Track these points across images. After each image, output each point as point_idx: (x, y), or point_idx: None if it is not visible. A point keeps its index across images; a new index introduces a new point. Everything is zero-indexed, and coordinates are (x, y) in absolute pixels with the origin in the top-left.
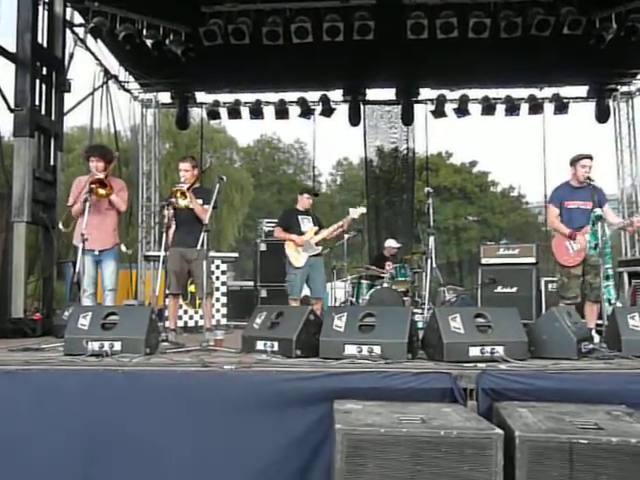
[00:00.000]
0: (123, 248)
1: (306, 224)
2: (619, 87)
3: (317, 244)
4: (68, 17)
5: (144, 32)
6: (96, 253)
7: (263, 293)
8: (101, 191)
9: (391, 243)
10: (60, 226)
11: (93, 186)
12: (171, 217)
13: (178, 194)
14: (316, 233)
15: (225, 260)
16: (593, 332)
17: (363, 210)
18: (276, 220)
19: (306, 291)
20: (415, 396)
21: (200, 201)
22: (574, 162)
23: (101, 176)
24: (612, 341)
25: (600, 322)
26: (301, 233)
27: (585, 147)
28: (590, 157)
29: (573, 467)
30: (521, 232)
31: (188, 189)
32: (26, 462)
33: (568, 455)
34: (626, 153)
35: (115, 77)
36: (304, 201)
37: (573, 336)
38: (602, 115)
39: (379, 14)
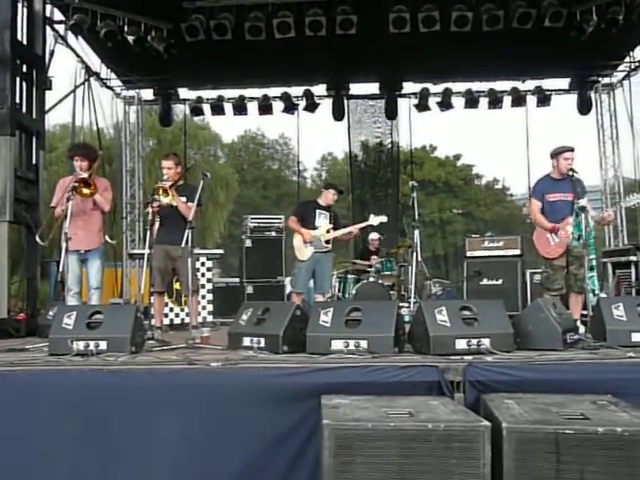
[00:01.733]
0: (107, 239)
1: (322, 219)
2: (601, 79)
3: (327, 242)
4: (48, 14)
5: (125, 29)
6: (82, 252)
7: (249, 289)
8: (85, 190)
9: (373, 236)
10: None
11: (76, 184)
12: (155, 214)
13: (160, 191)
14: (328, 231)
15: (210, 257)
16: (578, 323)
17: (384, 219)
18: (261, 217)
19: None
20: (402, 390)
21: (184, 198)
22: (556, 154)
23: (85, 175)
24: (597, 331)
25: (585, 312)
26: (314, 227)
27: (568, 139)
28: (572, 149)
29: (560, 457)
30: (505, 224)
31: (171, 186)
32: (11, 463)
33: (555, 446)
34: (608, 144)
35: (97, 74)
36: (328, 196)
37: (558, 327)
38: (584, 107)
39: (361, 8)
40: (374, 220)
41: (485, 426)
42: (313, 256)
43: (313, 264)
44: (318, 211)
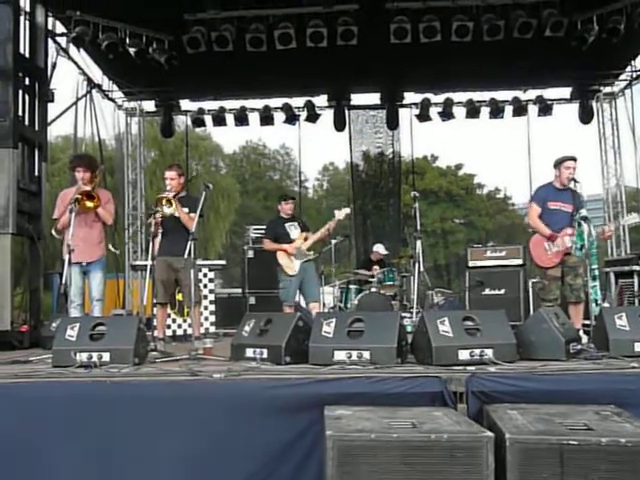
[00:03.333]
0: (111, 248)
1: (294, 231)
2: (602, 88)
3: (308, 249)
4: (50, 27)
5: (127, 41)
6: (83, 264)
7: (252, 300)
8: (89, 204)
9: (379, 249)
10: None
11: (79, 196)
12: (158, 225)
13: (164, 202)
14: (305, 239)
15: (213, 268)
16: (581, 332)
17: (347, 211)
18: (263, 227)
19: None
20: (405, 400)
21: (186, 209)
22: (558, 164)
23: (88, 188)
24: (600, 341)
25: (587, 322)
26: (291, 241)
27: (569, 148)
28: (574, 159)
29: (564, 468)
30: (507, 234)
31: (174, 197)
32: (14, 475)
33: (559, 456)
34: (610, 153)
35: (99, 86)
36: (285, 208)
37: (561, 337)
38: (586, 116)
39: (362, 19)
40: (339, 214)
41: (488, 437)
42: (301, 267)
43: (302, 275)
44: (287, 225)
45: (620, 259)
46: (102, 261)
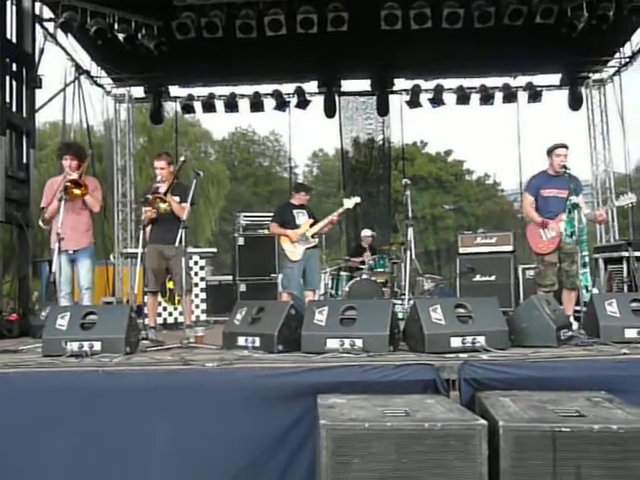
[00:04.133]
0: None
1: (301, 217)
2: (591, 75)
3: (313, 236)
4: (37, 12)
5: (115, 26)
6: (71, 252)
7: (242, 287)
8: (76, 191)
9: (366, 232)
10: (40, 223)
11: (68, 185)
12: (150, 216)
13: (157, 201)
14: (311, 226)
15: (203, 255)
16: (571, 319)
17: (357, 200)
18: (254, 214)
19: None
20: (398, 388)
21: (177, 198)
22: (550, 152)
23: (75, 176)
24: (590, 328)
25: (578, 309)
26: (296, 226)
27: (559, 134)
28: (565, 146)
29: (556, 455)
30: (497, 220)
31: (165, 193)
32: (5, 464)
33: (551, 443)
34: (599, 140)
35: (87, 72)
36: (301, 198)
37: (552, 324)
38: (575, 103)
39: (352, 5)
40: (348, 203)
41: (482, 425)
42: (305, 254)
43: (304, 262)
44: (295, 211)
45: (609, 245)
46: (90, 249)
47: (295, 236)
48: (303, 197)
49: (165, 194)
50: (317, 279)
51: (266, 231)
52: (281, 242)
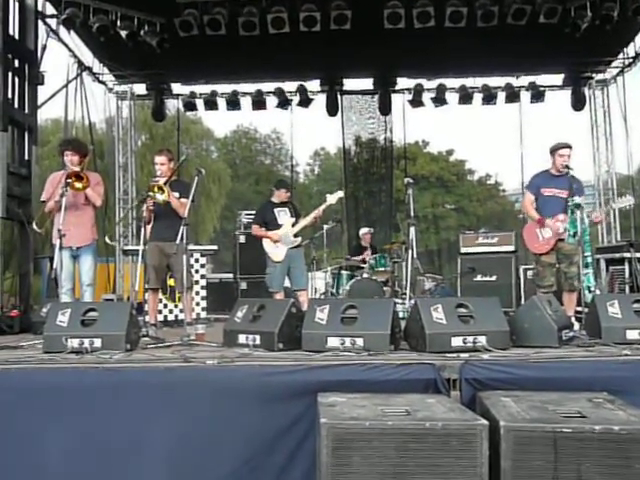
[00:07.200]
0: (107, 240)
1: (282, 217)
2: (595, 75)
3: (296, 235)
4: (40, 8)
5: (118, 23)
6: (74, 249)
7: (243, 285)
8: (77, 185)
9: (363, 230)
10: (34, 226)
11: (70, 180)
12: (150, 212)
13: (155, 189)
14: (293, 225)
15: (204, 253)
16: (573, 319)
17: (340, 194)
18: (254, 213)
19: (286, 283)
20: (398, 387)
21: (177, 194)
22: (553, 151)
23: (77, 169)
24: (592, 328)
25: (579, 309)
26: (279, 226)
27: (561, 135)
28: (568, 146)
29: (557, 456)
30: (498, 220)
31: (165, 183)
32: (5, 461)
33: (552, 444)
34: (602, 140)
35: (89, 69)
36: (281, 195)
37: (554, 324)
38: (578, 103)
39: (356, 4)
40: (332, 198)
41: (483, 425)
42: (287, 254)
43: (288, 262)
44: (277, 210)
45: (611, 246)
46: (92, 246)
47: (276, 236)
48: (284, 194)
49: (164, 185)
50: (304, 279)
51: None
52: (263, 243)
